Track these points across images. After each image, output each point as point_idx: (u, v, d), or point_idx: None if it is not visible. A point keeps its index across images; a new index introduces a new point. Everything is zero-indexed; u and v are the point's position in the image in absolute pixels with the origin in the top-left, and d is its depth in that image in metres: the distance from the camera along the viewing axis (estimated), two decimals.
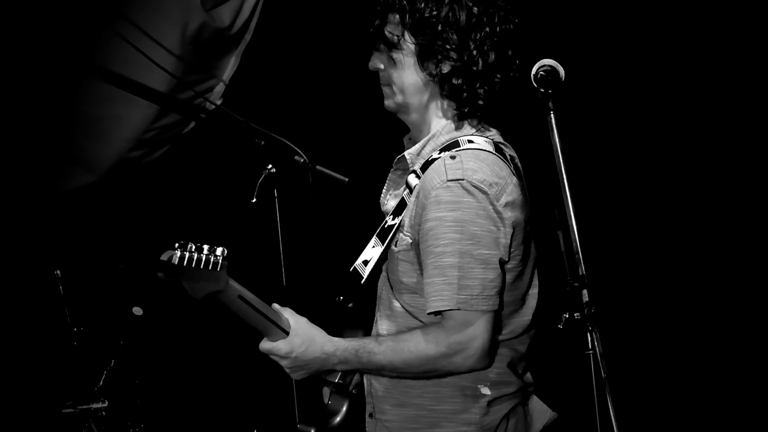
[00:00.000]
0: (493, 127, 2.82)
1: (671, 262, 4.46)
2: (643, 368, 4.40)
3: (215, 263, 2.58)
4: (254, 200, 3.49)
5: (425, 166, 2.73)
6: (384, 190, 2.94)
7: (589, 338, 2.53)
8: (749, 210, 4.37)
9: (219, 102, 4.52)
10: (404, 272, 2.73)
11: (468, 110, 2.75)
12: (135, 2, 4.36)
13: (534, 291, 2.78)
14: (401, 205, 2.78)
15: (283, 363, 2.76)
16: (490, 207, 2.62)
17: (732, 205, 4.38)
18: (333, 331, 2.79)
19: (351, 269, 2.84)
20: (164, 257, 2.57)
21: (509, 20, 2.74)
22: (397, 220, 2.76)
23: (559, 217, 2.60)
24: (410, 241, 2.71)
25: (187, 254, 2.56)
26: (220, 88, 4.58)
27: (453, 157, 2.66)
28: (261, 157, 3.53)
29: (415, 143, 2.81)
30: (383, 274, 2.83)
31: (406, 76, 2.76)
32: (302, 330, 2.75)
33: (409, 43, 2.73)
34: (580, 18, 4.40)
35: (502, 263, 2.65)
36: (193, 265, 2.56)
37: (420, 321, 2.73)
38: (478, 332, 2.63)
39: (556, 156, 2.60)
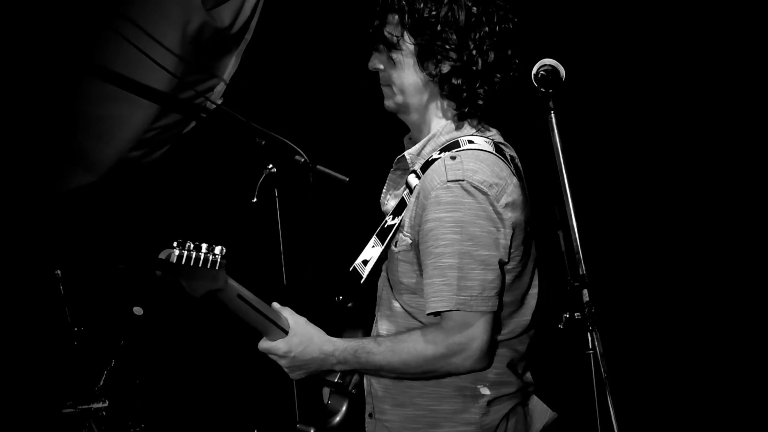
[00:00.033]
0: (494, 127, 2.82)
1: (671, 261, 4.46)
2: (643, 368, 4.40)
3: (214, 262, 2.58)
4: (255, 200, 3.49)
5: (425, 166, 2.73)
6: (384, 190, 2.94)
7: (590, 338, 2.53)
8: (749, 210, 4.37)
9: (219, 102, 4.52)
10: (404, 273, 2.73)
11: (468, 110, 2.74)
12: (135, 2, 4.36)
13: (534, 291, 2.78)
14: (401, 205, 2.78)
15: (282, 362, 2.76)
16: (490, 208, 2.62)
17: (732, 204, 4.38)
18: (333, 331, 2.79)
19: (351, 269, 2.84)
20: (162, 255, 2.57)
21: (508, 19, 2.74)
22: (396, 220, 2.75)
23: (559, 217, 2.60)
24: (410, 241, 2.71)
25: (185, 253, 2.56)
26: (220, 87, 4.59)
27: (453, 158, 2.65)
28: (261, 157, 3.54)
29: (415, 143, 2.81)
30: (383, 274, 2.83)
31: (405, 77, 2.75)
32: (301, 329, 2.75)
33: (408, 44, 2.73)
34: (580, 18, 4.40)
35: (501, 264, 2.65)
36: (192, 264, 2.57)
37: (420, 321, 2.73)
38: (477, 333, 2.62)
39: (557, 156, 2.60)
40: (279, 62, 4.70)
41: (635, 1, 4.39)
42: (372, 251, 2.80)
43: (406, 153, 2.81)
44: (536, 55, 2.70)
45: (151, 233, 4.49)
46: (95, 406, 4.01)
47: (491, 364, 2.70)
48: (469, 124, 2.77)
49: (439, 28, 2.68)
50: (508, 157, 2.77)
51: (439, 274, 2.61)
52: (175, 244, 2.57)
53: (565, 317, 2.55)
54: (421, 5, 2.68)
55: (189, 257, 2.56)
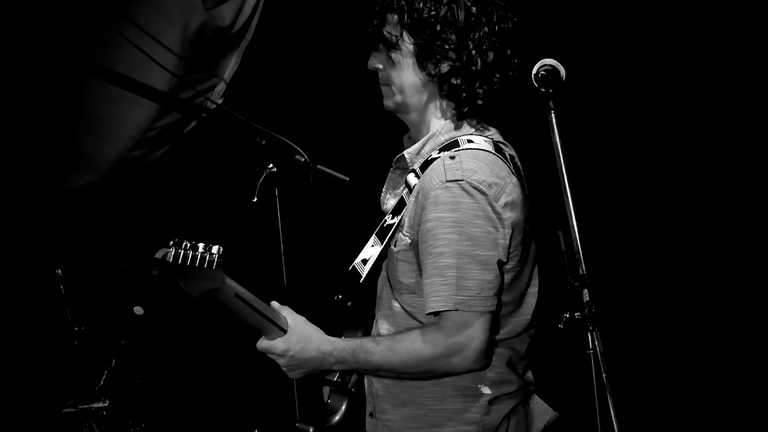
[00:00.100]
0: (493, 127, 2.82)
1: (671, 261, 4.45)
2: (643, 368, 4.40)
3: (211, 261, 2.59)
4: (255, 199, 3.50)
5: (424, 166, 2.73)
6: (384, 189, 2.94)
7: (590, 338, 2.53)
8: (749, 210, 4.37)
9: (220, 101, 4.52)
10: (403, 272, 2.73)
11: (467, 110, 2.74)
12: (136, 1, 4.37)
13: (533, 290, 2.77)
14: (400, 205, 2.78)
15: (280, 361, 2.75)
16: (489, 208, 2.62)
17: (732, 204, 4.38)
18: (332, 330, 2.78)
19: (350, 268, 2.84)
20: (159, 255, 2.57)
21: (508, 19, 2.74)
22: (396, 220, 2.75)
23: (559, 217, 2.60)
24: (409, 241, 2.71)
25: (181, 252, 2.56)
26: (221, 87, 4.59)
27: (452, 157, 2.65)
28: (262, 157, 3.54)
29: (414, 142, 2.81)
30: (383, 273, 2.83)
31: (405, 76, 2.75)
32: (299, 328, 2.75)
33: (407, 44, 2.73)
34: (580, 18, 4.40)
35: (500, 264, 2.65)
36: (188, 263, 2.57)
37: (420, 321, 2.72)
38: (475, 333, 2.62)
39: (557, 156, 2.61)
40: (279, 62, 4.70)
41: (635, 1, 4.39)
42: (371, 250, 2.80)
43: (405, 152, 2.81)
44: (536, 55, 2.70)
45: (152, 233, 4.49)
46: (96, 405, 4.01)
47: (490, 364, 2.70)
48: (469, 124, 2.77)
49: (438, 28, 2.67)
50: (508, 157, 2.77)
51: (438, 274, 2.61)
52: (171, 243, 2.58)
53: (565, 317, 2.56)
54: (421, 5, 2.68)
55: (185, 257, 2.56)
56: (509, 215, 2.65)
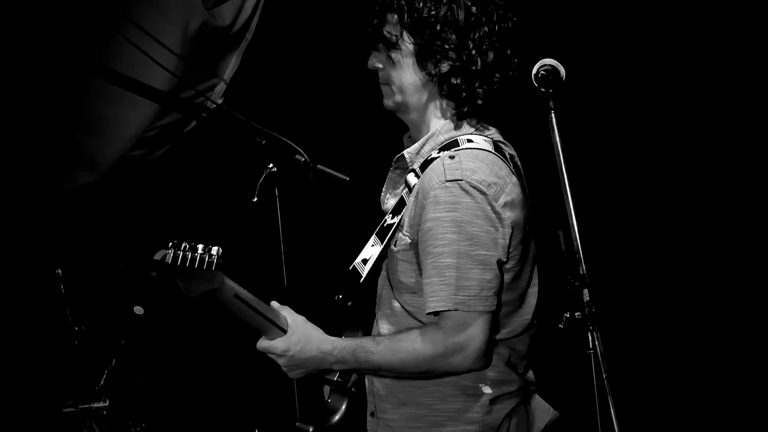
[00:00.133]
0: (493, 126, 2.82)
1: (671, 261, 4.46)
2: (644, 368, 4.40)
3: (210, 262, 2.59)
4: (255, 199, 3.50)
5: (424, 165, 2.73)
6: (383, 189, 2.94)
7: (590, 337, 2.53)
8: (749, 209, 4.37)
9: (220, 101, 4.52)
10: (403, 272, 2.73)
11: (467, 110, 2.74)
12: (137, 2, 4.37)
13: (534, 290, 2.77)
14: (400, 204, 2.78)
15: (280, 361, 2.75)
16: (489, 207, 2.62)
17: (732, 204, 4.38)
18: (332, 330, 2.78)
19: (350, 268, 2.84)
20: (157, 256, 2.57)
21: (508, 19, 2.74)
22: (396, 219, 2.75)
23: (559, 217, 2.60)
24: (409, 240, 2.71)
25: (180, 253, 2.56)
26: (221, 87, 4.59)
27: (452, 157, 2.65)
28: (262, 156, 3.54)
29: (414, 142, 2.81)
30: (383, 273, 2.83)
31: (404, 76, 2.75)
32: (299, 328, 2.74)
33: (407, 43, 2.73)
34: (580, 18, 4.40)
35: (500, 264, 2.65)
36: (187, 264, 2.57)
37: (420, 321, 2.72)
38: (475, 333, 2.62)
39: (557, 156, 2.61)
40: (279, 62, 4.70)
41: (635, 1, 4.39)
42: (372, 250, 2.80)
43: (405, 152, 2.81)
44: (536, 55, 2.70)
45: (152, 233, 4.49)
46: (96, 405, 4.01)
47: (490, 364, 2.70)
48: (468, 124, 2.77)
49: (438, 27, 2.67)
50: (507, 156, 2.77)
51: (438, 274, 2.61)
52: (170, 245, 2.58)
53: (566, 317, 2.56)
54: (421, 5, 2.68)
55: (184, 258, 2.56)
56: (509, 215, 2.65)
